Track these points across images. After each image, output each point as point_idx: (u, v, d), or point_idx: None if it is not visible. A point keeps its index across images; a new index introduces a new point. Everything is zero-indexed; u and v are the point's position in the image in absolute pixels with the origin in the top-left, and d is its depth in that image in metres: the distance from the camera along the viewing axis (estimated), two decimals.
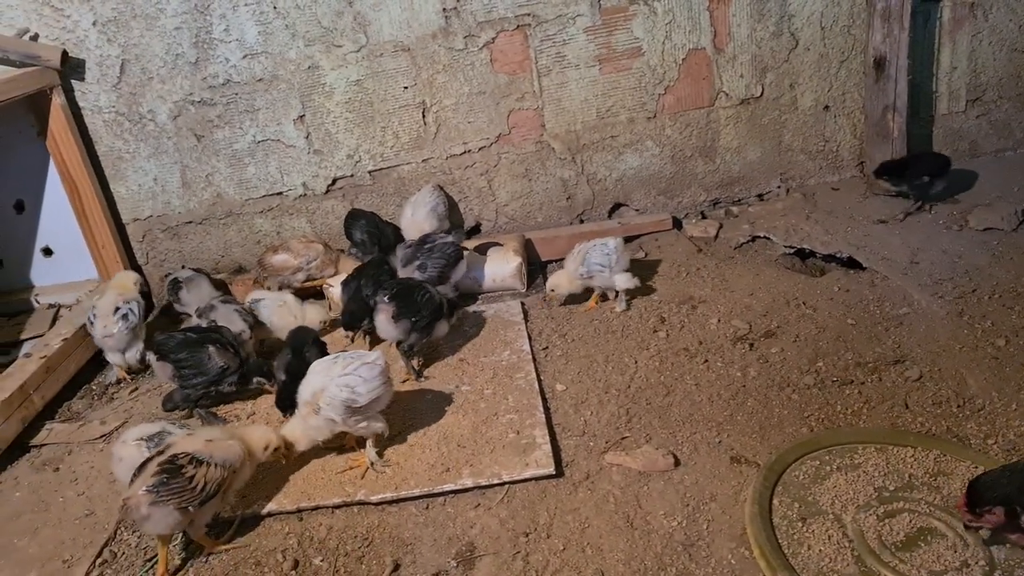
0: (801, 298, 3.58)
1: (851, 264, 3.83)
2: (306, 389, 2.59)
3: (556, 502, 2.53)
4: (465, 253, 3.84)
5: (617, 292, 3.67)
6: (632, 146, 4.37)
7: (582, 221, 4.53)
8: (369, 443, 2.71)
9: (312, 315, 3.63)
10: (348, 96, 4.08)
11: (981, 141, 4.52)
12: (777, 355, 3.19)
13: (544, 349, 3.47)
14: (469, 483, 2.60)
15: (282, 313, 3.60)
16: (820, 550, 2.19)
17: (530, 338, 3.53)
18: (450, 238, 3.74)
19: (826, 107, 4.36)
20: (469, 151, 4.30)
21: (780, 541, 2.23)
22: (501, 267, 3.97)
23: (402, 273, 3.67)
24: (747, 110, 4.33)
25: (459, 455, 2.73)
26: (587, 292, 3.77)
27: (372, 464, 2.69)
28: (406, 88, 4.10)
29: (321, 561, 2.40)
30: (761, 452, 2.64)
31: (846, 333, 3.27)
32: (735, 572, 2.19)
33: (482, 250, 4.12)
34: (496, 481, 2.60)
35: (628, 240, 4.38)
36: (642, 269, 4.07)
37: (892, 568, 2.10)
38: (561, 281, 3.70)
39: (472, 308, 3.84)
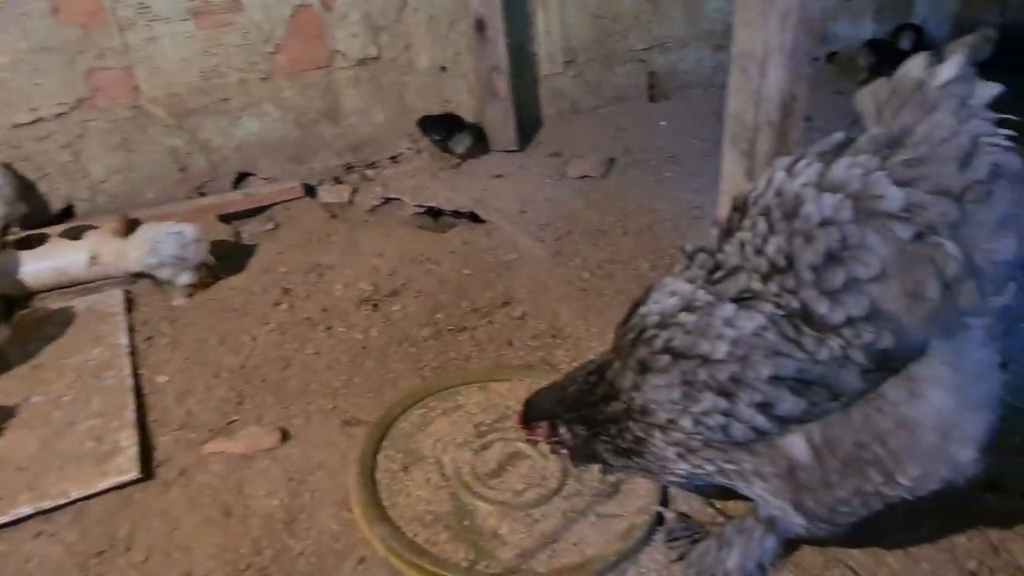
0: (426, 254, 3.64)
1: (474, 218, 4.01)
2: None
3: (142, 508, 2.22)
4: None
5: (179, 284, 3.32)
6: (249, 109, 4.06)
7: (203, 194, 4.12)
8: None
9: None
10: None
11: (579, 99, 5.04)
12: (399, 312, 3.20)
13: (148, 339, 3.06)
14: (28, 510, 2.16)
15: None
16: (419, 495, 2.21)
17: (131, 329, 3.09)
18: None
19: (443, 68, 4.49)
20: (42, 119, 3.62)
21: (381, 495, 2.21)
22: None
23: None
24: (367, 71, 4.27)
25: (16, 480, 2.26)
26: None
27: None
28: None
29: None
30: (375, 411, 2.60)
31: (463, 283, 3.40)
32: (336, 537, 2.12)
33: (74, 235, 3.51)
34: (64, 501, 2.20)
35: (259, 211, 4.12)
36: (270, 241, 3.84)
37: (481, 496, 2.19)
38: (112, 256, 3.28)
39: (58, 304, 3.26)
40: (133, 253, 3.21)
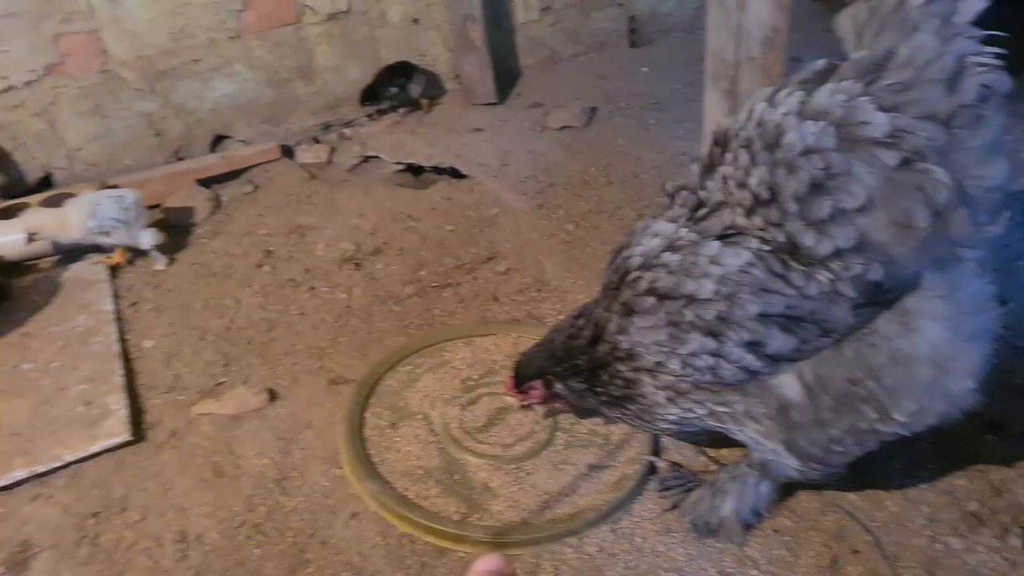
0: (407, 212, 3.63)
1: (454, 173, 3.98)
2: None
3: (135, 471, 2.26)
4: None
5: (146, 250, 3.27)
6: (220, 70, 3.98)
7: (180, 159, 4.06)
8: None
9: None
10: None
11: (558, 47, 4.95)
12: (382, 271, 3.21)
13: (133, 305, 3.07)
14: (23, 474, 2.20)
15: None
16: (408, 451, 2.25)
17: (116, 296, 3.09)
18: None
19: (415, 20, 4.39)
20: (13, 87, 3.54)
21: (369, 451, 2.25)
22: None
23: None
24: (337, 26, 4.18)
25: (11, 446, 2.30)
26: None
27: None
28: None
29: None
30: (362, 370, 2.62)
31: (446, 239, 3.39)
32: (327, 493, 2.17)
33: (53, 203, 3.47)
34: (57, 464, 2.24)
35: (237, 174, 4.07)
36: (250, 204, 3.81)
37: (471, 450, 2.22)
38: (52, 228, 3.18)
39: (44, 273, 3.25)
40: (73, 220, 3.16)
